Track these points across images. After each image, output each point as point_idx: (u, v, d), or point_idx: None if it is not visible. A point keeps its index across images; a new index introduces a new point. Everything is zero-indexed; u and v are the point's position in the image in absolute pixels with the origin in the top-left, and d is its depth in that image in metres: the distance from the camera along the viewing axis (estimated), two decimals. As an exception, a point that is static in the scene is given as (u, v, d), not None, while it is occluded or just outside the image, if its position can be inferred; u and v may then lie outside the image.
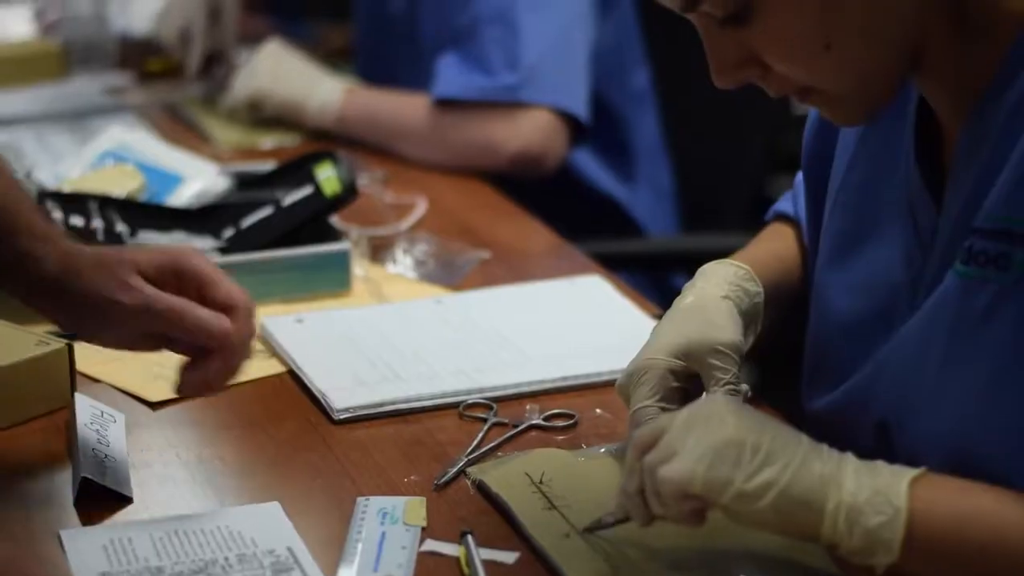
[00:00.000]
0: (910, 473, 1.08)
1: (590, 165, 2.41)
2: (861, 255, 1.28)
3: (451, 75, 2.26)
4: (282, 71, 2.38)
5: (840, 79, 1.15)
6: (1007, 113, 1.13)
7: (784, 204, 1.49)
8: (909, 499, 1.07)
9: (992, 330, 1.12)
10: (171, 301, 1.31)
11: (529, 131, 2.23)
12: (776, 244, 1.46)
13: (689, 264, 1.38)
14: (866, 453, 1.11)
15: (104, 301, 1.32)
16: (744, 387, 1.29)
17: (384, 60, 2.53)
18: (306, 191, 1.82)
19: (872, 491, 1.07)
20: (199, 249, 1.33)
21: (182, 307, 1.31)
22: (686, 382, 1.30)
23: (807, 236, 1.42)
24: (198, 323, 1.31)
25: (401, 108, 2.33)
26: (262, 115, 2.40)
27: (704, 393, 1.29)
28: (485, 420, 1.45)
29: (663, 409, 1.28)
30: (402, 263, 1.87)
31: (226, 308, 1.32)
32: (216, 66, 2.55)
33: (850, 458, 1.10)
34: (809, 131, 1.39)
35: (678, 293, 1.36)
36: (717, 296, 1.33)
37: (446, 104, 2.26)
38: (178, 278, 1.33)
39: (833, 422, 1.27)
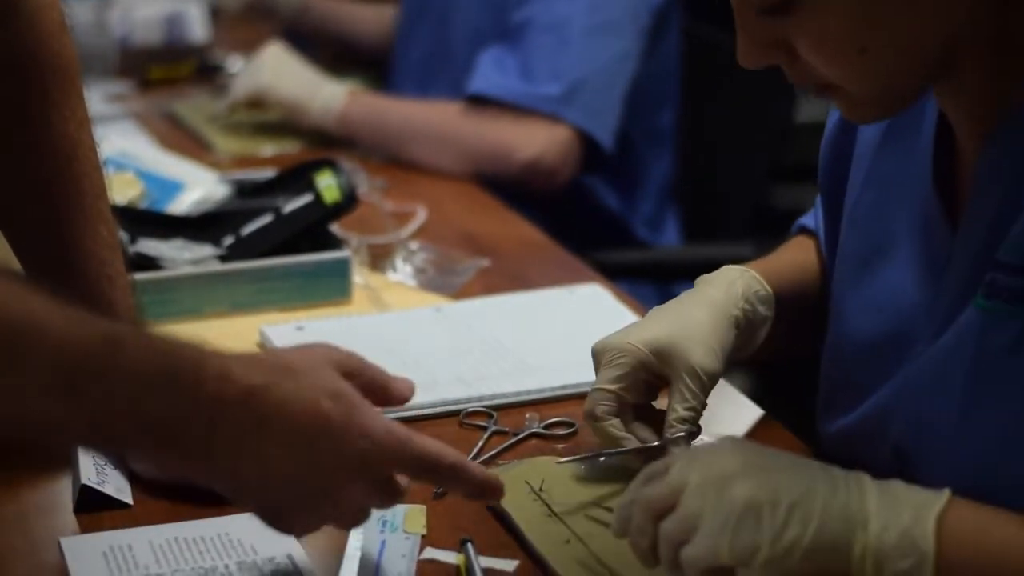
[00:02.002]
0: (934, 508, 1.05)
1: (599, 188, 2.40)
2: (875, 275, 1.28)
3: (490, 73, 2.25)
4: (285, 70, 2.37)
5: (867, 82, 1.14)
6: None
7: (807, 219, 1.49)
8: (936, 541, 1.03)
9: (1017, 366, 1.10)
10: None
11: (547, 143, 2.23)
12: (794, 254, 1.45)
13: (692, 274, 1.38)
14: (883, 477, 1.08)
15: None
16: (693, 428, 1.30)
17: (415, 44, 2.52)
18: (306, 199, 1.82)
19: (898, 533, 1.04)
20: None
21: None
22: (654, 376, 1.32)
23: (825, 251, 1.42)
24: None
25: (410, 108, 2.32)
26: (262, 115, 2.39)
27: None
28: (485, 428, 1.45)
29: (619, 396, 1.30)
30: (402, 271, 1.87)
31: None
32: None
33: (868, 486, 1.06)
34: (825, 148, 1.38)
35: None
36: (717, 303, 1.33)
37: (471, 101, 2.25)
38: None
39: (850, 446, 1.27)
